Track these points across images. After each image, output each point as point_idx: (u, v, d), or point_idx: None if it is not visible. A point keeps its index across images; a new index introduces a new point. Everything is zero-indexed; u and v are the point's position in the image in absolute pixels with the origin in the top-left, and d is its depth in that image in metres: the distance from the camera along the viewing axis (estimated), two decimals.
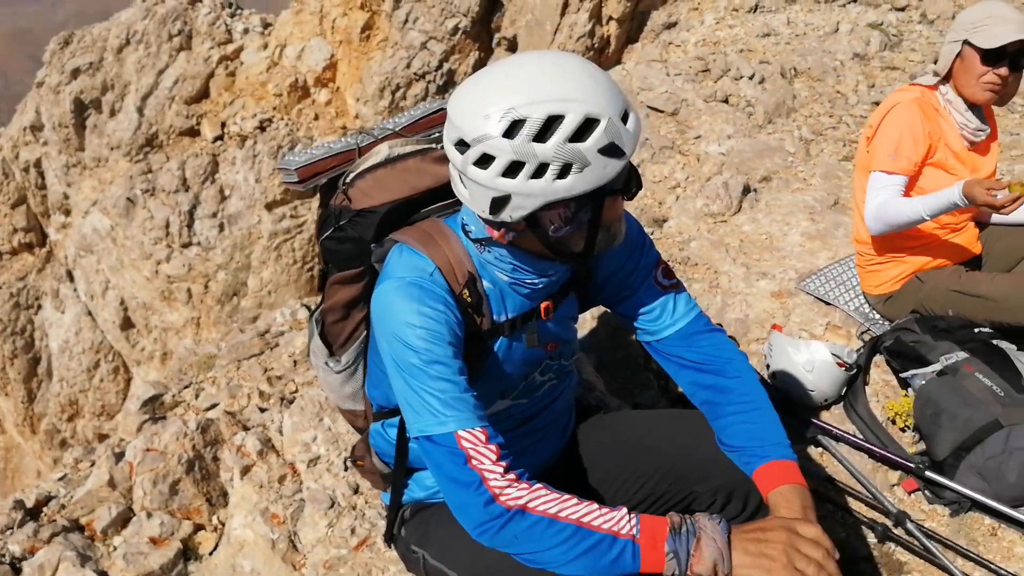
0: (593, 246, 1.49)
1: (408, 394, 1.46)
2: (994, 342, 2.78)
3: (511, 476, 1.40)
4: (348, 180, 1.80)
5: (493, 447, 1.42)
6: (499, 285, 1.61)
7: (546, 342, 1.69)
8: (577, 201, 1.39)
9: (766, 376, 2.88)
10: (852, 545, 2.49)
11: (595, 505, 1.38)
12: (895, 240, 2.94)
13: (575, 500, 1.39)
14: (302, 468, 2.33)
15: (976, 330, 2.83)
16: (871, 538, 2.51)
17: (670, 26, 9.61)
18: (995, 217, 3.06)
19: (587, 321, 3.04)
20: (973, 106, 2.81)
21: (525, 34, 10.30)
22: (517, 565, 1.46)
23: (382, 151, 1.85)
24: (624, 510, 1.37)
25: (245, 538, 2.19)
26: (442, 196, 1.71)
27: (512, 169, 1.35)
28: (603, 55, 10.01)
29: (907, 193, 2.78)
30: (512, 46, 10.36)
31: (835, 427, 2.75)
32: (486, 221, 1.47)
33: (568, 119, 1.32)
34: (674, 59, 6.46)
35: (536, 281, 1.58)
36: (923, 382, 2.74)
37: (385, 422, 1.81)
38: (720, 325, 3.07)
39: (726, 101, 5.63)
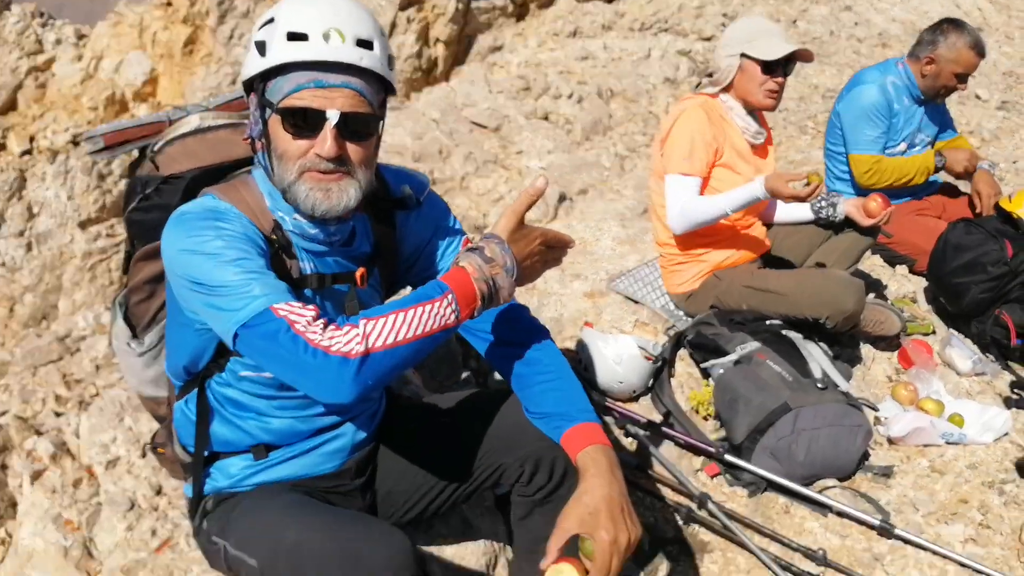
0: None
1: (213, 301, 1.40)
2: (783, 332, 3.00)
3: (333, 328, 1.38)
4: (156, 148, 1.76)
5: (311, 308, 1.39)
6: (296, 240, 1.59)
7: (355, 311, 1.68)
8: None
9: (579, 370, 2.98)
10: (660, 528, 2.60)
11: (419, 306, 1.41)
12: (693, 239, 3.12)
13: (402, 312, 1.40)
14: (99, 471, 2.18)
15: (767, 322, 3.05)
16: (678, 521, 2.63)
17: (496, 49, 9.82)
18: (778, 216, 3.33)
19: None
20: (750, 112, 3.05)
21: None
22: (316, 548, 1.44)
23: (192, 122, 1.82)
24: (440, 294, 1.42)
25: (34, 547, 2.01)
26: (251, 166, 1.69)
27: None
28: (431, 75, 10.08)
29: (700, 193, 2.98)
30: None
31: (643, 416, 2.88)
32: None
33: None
34: (496, 78, 6.62)
35: (314, 231, 1.57)
36: (721, 371, 2.92)
37: (188, 398, 1.73)
38: None
39: (546, 118, 5.81)
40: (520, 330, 1.80)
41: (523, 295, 3.37)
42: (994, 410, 3.11)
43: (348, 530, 1.50)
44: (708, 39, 7.72)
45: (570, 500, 1.50)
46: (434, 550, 2.09)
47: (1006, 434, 3.07)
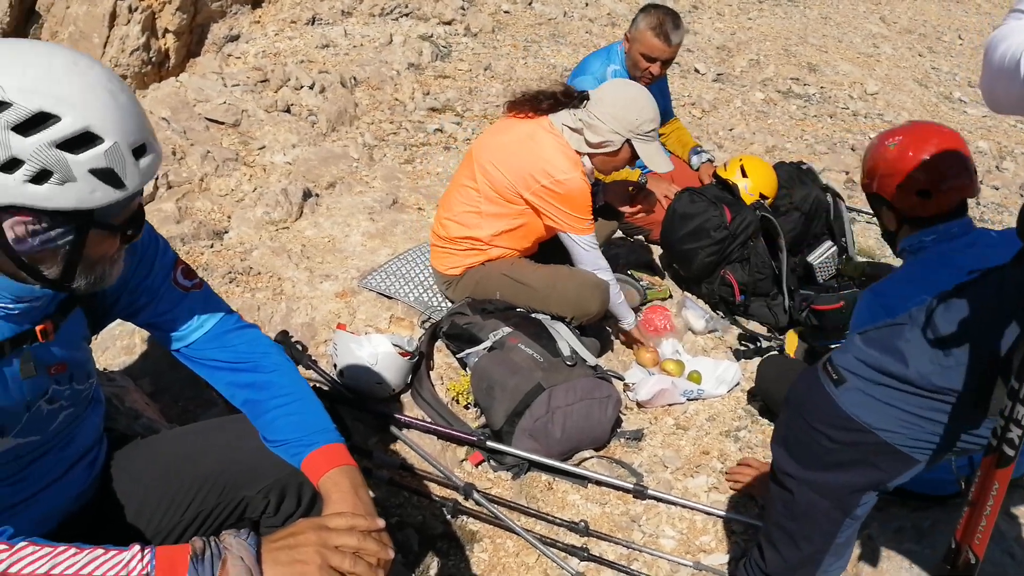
0: (72, 277, 1.35)
1: None
2: (533, 315, 3.08)
3: None
4: None
5: None
6: None
7: (49, 365, 1.50)
8: (52, 217, 1.25)
9: (334, 375, 2.90)
10: (428, 525, 2.59)
11: (100, 551, 1.22)
12: (496, 238, 3.16)
13: (73, 550, 1.21)
14: None
15: (517, 308, 3.11)
16: (446, 515, 2.63)
17: (233, 39, 9.35)
18: None
19: (137, 345, 2.81)
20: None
21: (70, 47, 9.38)
22: None
23: None
24: (136, 548, 1.23)
25: None
26: None
27: None
28: (163, 69, 9.42)
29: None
30: None
31: (404, 415, 2.85)
32: None
33: (63, 123, 1.17)
34: (231, 71, 6.30)
35: (10, 305, 1.36)
36: (477, 359, 2.95)
37: None
38: (287, 331, 3.05)
39: (288, 111, 5.61)
40: (248, 352, 1.71)
41: (270, 303, 3.23)
42: (725, 363, 3.37)
43: None
44: (449, 23, 7.78)
45: None
46: None
47: (737, 384, 3.34)
